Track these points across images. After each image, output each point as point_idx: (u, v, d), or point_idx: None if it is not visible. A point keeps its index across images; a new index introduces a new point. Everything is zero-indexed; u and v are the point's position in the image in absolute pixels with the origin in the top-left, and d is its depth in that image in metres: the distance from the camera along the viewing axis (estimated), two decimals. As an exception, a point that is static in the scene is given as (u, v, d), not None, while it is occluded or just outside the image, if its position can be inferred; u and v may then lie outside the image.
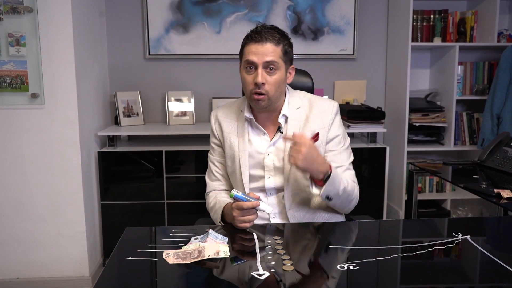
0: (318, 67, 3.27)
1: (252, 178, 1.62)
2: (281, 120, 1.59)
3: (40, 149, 2.55)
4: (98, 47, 3.04)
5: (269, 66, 1.48)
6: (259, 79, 1.47)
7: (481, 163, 2.35)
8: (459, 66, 3.12)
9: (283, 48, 1.51)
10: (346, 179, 1.54)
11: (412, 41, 3.03)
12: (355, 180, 1.63)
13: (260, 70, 1.48)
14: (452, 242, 1.30)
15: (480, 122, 3.19)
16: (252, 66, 1.50)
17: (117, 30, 3.20)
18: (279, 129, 1.59)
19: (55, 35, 2.46)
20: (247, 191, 1.60)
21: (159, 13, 3.16)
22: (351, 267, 1.12)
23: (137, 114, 3.15)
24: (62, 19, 2.45)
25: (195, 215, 1.77)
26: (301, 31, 3.24)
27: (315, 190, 1.50)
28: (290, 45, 1.57)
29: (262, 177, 1.61)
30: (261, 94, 1.50)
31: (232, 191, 1.40)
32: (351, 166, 1.64)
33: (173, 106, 3.17)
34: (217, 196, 1.65)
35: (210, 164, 1.74)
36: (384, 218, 3.00)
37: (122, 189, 2.83)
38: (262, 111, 1.59)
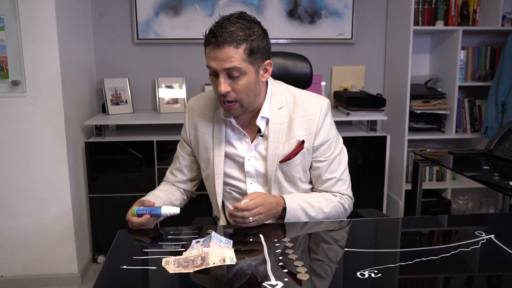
0: (315, 52, 3.13)
1: (232, 184, 1.48)
2: (259, 122, 1.40)
3: (23, 140, 2.39)
4: (83, 31, 2.86)
5: (231, 73, 1.27)
6: (221, 89, 1.27)
7: (488, 153, 2.26)
8: (462, 51, 3.01)
9: (247, 48, 1.25)
10: (319, 206, 1.41)
11: (413, 25, 2.90)
12: (349, 191, 1.49)
13: (221, 78, 1.27)
14: (476, 243, 1.19)
15: (483, 109, 3.10)
16: (213, 73, 1.29)
17: (103, 13, 3.02)
18: (259, 131, 1.41)
19: (36, 18, 2.28)
20: (219, 200, 1.48)
21: (147, -5, 2.99)
22: (372, 275, 1.01)
23: (126, 102, 2.99)
24: (43, 0, 2.27)
25: (190, 209, 1.65)
26: (298, 14, 3.09)
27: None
28: (262, 36, 1.30)
29: (243, 182, 1.47)
30: (231, 101, 1.31)
31: (133, 208, 1.32)
32: (345, 174, 1.49)
33: (164, 93, 3.02)
34: (160, 187, 1.57)
35: (174, 156, 1.60)
36: (384, 208, 2.92)
37: (111, 181, 2.69)
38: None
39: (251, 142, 1.44)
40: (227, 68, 1.26)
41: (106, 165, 2.68)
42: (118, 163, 2.69)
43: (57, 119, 2.39)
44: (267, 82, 1.42)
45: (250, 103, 1.35)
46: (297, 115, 1.41)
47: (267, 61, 1.35)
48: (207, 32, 1.28)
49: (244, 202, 1.28)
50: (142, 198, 1.40)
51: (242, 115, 1.40)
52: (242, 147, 1.44)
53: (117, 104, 2.95)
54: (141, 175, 2.68)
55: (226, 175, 1.47)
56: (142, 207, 1.31)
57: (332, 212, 1.43)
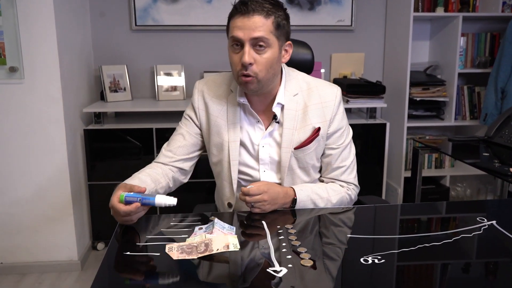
0: (314, 38, 3.09)
1: (244, 172, 1.46)
2: (275, 109, 1.39)
3: (21, 128, 2.37)
4: (81, 17, 2.83)
5: (257, 43, 1.26)
6: (246, 59, 1.25)
7: (488, 139, 2.26)
8: (461, 38, 2.99)
9: (275, 21, 1.28)
10: (327, 197, 1.41)
11: (413, 11, 2.88)
12: (355, 180, 1.49)
13: (247, 48, 1.26)
14: (478, 228, 1.20)
15: (482, 96, 3.10)
16: (238, 43, 1.28)
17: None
18: (275, 117, 1.41)
19: (33, 3, 2.25)
20: (234, 186, 1.45)
21: (145, -20, 2.95)
22: (376, 261, 1.01)
23: (124, 89, 2.97)
24: (40, -14, 2.24)
25: (190, 196, 1.64)
26: (297, 1, 3.06)
27: None
28: (286, 17, 1.33)
29: (256, 170, 1.45)
30: (249, 75, 1.29)
31: (121, 193, 1.17)
32: (352, 164, 1.49)
33: (163, 81, 2.99)
34: (147, 170, 1.43)
35: (174, 133, 1.51)
36: (383, 196, 2.92)
37: (110, 169, 2.68)
38: (255, 95, 1.39)
39: (265, 129, 1.42)
40: (255, 37, 1.26)
41: (105, 153, 2.67)
42: (117, 150, 2.68)
43: (55, 106, 2.37)
44: (281, 68, 1.42)
45: (268, 81, 1.33)
46: (312, 102, 1.41)
47: (288, 42, 1.37)
48: (235, 4, 1.29)
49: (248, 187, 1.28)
50: (127, 182, 1.30)
51: (255, 96, 1.39)
52: (255, 133, 1.43)
53: (115, 91, 2.93)
54: (140, 163, 2.63)
55: (239, 162, 1.44)
56: (132, 193, 1.19)
57: (339, 202, 1.44)
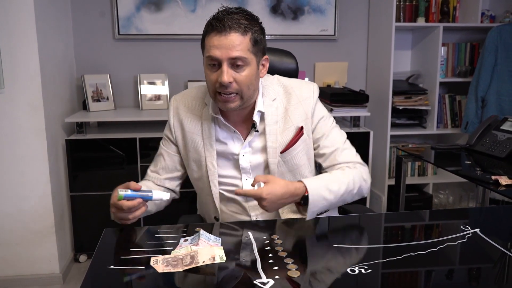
0: (298, 48, 3.12)
1: (225, 183, 1.44)
2: (256, 117, 1.37)
3: (1, 138, 2.32)
4: (63, 26, 2.80)
5: (236, 63, 1.24)
6: (225, 79, 1.23)
7: (469, 148, 2.29)
8: (442, 48, 3.04)
9: (252, 38, 1.25)
10: (339, 180, 1.33)
11: (395, 21, 2.92)
12: (357, 158, 1.43)
13: (225, 67, 1.23)
14: (462, 237, 1.21)
15: (463, 104, 3.15)
16: (215, 63, 1.25)
17: (83, 8, 2.95)
18: (254, 126, 1.39)
19: (14, 11, 2.22)
20: (217, 201, 1.43)
21: (128, -10, 2.94)
22: (363, 270, 1.01)
23: (107, 99, 2.94)
24: (21, -6, 2.22)
25: (174, 206, 1.62)
26: (281, 10, 3.08)
27: (303, 215, 1.31)
28: (262, 32, 1.30)
29: (238, 179, 1.43)
30: (230, 93, 1.27)
31: (119, 192, 1.20)
32: (347, 144, 1.45)
33: (146, 90, 2.98)
34: (144, 182, 1.48)
35: (158, 154, 1.52)
36: (367, 204, 2.94)
37: (92, 179, 2.64)
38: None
39: (244, 139, 1.41)
40: (233, 57, 1.23)
41: (88, 163, 2.63)
42: (99, 160, 2.64)
43: (36, 116, 2.33)
44: None
45: (249, 97, 1.32)
46: (291, 104, 1.41)
47: (265, 56, 1.35)
48: (210, 20, 1.26)
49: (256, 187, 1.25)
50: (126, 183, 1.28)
51: (235, 111, 1.36)
52: (234, 144, 1.41)
53: (98, 100, 2.89)
54: (123, 173, 2.64)
55: (219, 175, 1.43)
56: (129, 191, 1.21)
57: (354, 179, 1.36)
